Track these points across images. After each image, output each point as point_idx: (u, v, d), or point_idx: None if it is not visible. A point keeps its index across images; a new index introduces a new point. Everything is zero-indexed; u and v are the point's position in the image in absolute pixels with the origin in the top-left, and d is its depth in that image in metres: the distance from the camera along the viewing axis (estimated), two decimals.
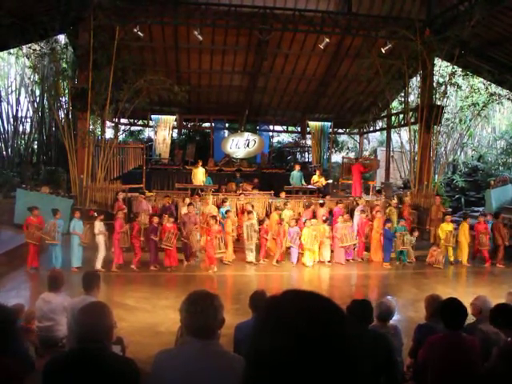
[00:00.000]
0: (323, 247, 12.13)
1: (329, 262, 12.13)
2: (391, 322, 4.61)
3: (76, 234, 10.67)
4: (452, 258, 12.47)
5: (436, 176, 16.73)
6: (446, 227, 12.54)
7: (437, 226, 13.00)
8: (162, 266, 11.09)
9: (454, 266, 12.42)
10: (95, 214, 11.28)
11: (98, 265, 10.59)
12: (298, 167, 17.05)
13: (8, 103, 21.48)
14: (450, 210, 16.38)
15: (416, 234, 12.56)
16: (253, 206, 12.82)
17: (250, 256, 11.90)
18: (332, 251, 12.32)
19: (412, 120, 16.13)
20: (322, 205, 13.38)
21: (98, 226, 10.90)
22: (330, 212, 13.55)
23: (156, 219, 11.33)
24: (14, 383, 2.73)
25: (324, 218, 12.55)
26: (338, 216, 12.69)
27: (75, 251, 10.71)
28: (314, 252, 11.98)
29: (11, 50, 16.45)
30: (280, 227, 12.03)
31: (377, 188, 17.34)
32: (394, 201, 13.85)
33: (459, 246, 12.51)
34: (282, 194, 14.30)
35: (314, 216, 13.05)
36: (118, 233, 10.92)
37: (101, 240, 10.80)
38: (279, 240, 11.91)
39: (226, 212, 12.26)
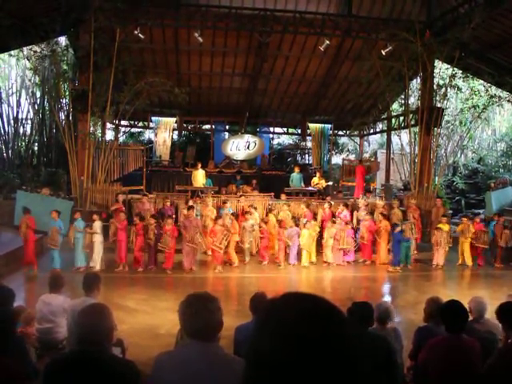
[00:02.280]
0: (326, 248, 12.13)
1: (328, 263, 12.13)
2: (391, 324, 4.61)
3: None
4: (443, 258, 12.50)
5: (436, 178, 16.72)
6: (443, 228, 12.54)
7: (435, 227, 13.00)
8: (159, 267, 11.18)
9: (456, 268, 12.43)
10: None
11: (98, 266, 10.62)
12: (297, 169, 17.07)
13: (9, 105, 21.49)
14: (450, 212, 16.36)
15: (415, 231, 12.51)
16: (256, 209, 12.83)
17: (246, 257, 12.05)
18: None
19: (412, 122, 16.13)
20: (346, 206, 13.39)
21: (97, 226, 10.92)
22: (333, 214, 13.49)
23: (152, 221, 11.36)
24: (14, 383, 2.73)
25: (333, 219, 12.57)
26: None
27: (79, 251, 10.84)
28: (311, 253, 12.03)
29: (12, 52, 16.51)
30: (279, 229, 12.05)
31: (369, 188, 17.33)
32: (396, 202, 13.81)
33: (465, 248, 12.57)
34: (283, 196, 14.31)
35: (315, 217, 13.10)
36: (122, 229, 10.96)
37: (98, 240, 10.83)
38: (281, 242, 11.95)
39: (232, 214, 12.33)
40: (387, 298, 9.81)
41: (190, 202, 12.63)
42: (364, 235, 12.47)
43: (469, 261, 12.45)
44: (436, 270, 12.07)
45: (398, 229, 12.00)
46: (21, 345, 3.72)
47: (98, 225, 10.94)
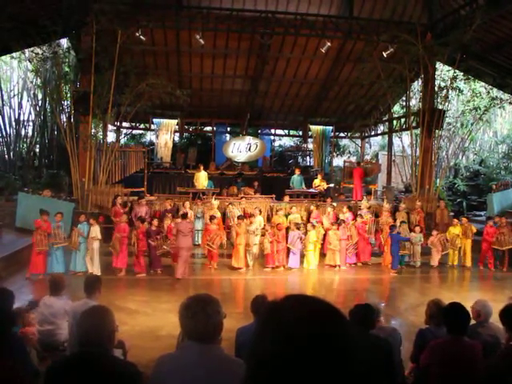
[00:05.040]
0: (332, 252, 12.11)
1: (334, 266, 12.13)
2: (392, 324, 4.60)
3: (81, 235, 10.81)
4: (456, 262, 12.48)
5: (437, 180, 16.70)
6: (454, 230, 12.52)
7: (442, 229, 12.97)
8: (165, 268, 11.20)
9: (457, 270, 12.41)
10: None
11: (98, 271, 10.55)
12: (298, 171, 17.06)
13: (10, 107, 21.56)
14: (452, 214, 16.34)
15: (418, 229, 12.47)
16: (260, 211, 12.81)
17: (250, 260, 11.97)
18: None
19: (413, 124, 16.12)
20: (350, 208, 13.37)
21: (95, 230, 10.86)
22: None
23: (155, 222, 11.35)
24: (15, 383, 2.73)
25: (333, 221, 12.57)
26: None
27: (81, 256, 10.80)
28: (315, 255, 12.04)
29: (14, 54, 16.50)
30: (279, 232, 12.03)
31: (370, 190, 17.34)
32: (403, 205, 13.79)
33: (466, 249, 12.54)
34: (286, 198, 14.27)
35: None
36: (124, 237, 10.92)
37: (96, 245, 10.79)
38: (282, 244, 11.94)
39: (239, 217, 12.29)
40: (388, 300, 9.80)
41: (187, 208, 12.46)
42: (353, 235, 12.42)
43: (468, 262, 12.42)
44: (438, 272, 12.08)
45: (396, 230, 12.01)
46: (21, 346, 3.72)
47: (97, 229, 10.85)
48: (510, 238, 12.13)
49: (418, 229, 12.44)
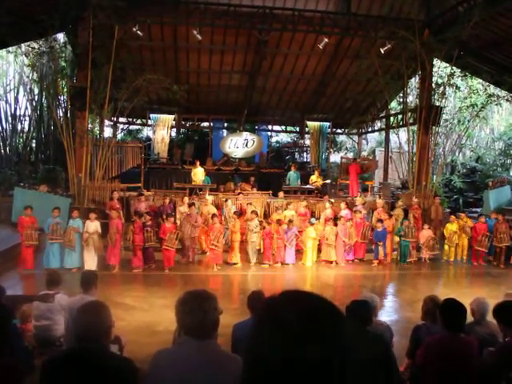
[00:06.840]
0: (329, 247, 12.14)
1: (332, 262, 12.17)
2: (386, 320, 4.61)
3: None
4: (452, 258, 12.55)
5: (434, 177, 16.73)
6: (451, 227, 12.56)
7: (437, 226, 13.00)
8: (158, 265, 11.18)
9: (452, 266, 12.46)
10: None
11: (95, 266, 10.52)
12: (293, 168, 17.06)
13: (6, 102, 21.49)
14: (448, 210, 16.38)
15: (406, 223, 12.52)
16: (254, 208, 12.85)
17: (252, 259, 11.97)
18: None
19: (411, 121, 16.14)
20: (347, 204, 13.39)
21: (94, 225, 10.83)
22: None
23: (148, 218, 11.34)
24: (14, 382, 2.73)
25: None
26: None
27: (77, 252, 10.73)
28: (313, 252, 12.05)
29: (10, 49, 16.41)
30: (280, 228, 12.03)
31: (366, 187, 17.36)
32: (401, 202, 13.82)
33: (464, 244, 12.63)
34: (281, 194, 14.28)
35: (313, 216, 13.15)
36: (120, 233, 10.89)
37: (96, 240, 10.74)
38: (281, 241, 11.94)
39: (235, 213, 12.38)
40: (384, 296, 9.83)
41: (186, 199, 12.62)
42: (353, 233, 12.48)
43: (464, 254, 12.51)
44: (432, 267, 12.14)
45: (379, 225, 12.10)
46: (19, 339, 3.71)
47: (97, 224, 10.79)
48: (506, 235, 12.17)
49: (406, 223, 12.52)
